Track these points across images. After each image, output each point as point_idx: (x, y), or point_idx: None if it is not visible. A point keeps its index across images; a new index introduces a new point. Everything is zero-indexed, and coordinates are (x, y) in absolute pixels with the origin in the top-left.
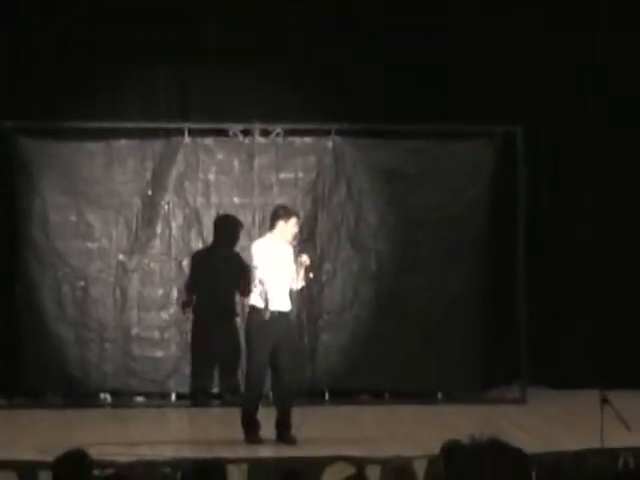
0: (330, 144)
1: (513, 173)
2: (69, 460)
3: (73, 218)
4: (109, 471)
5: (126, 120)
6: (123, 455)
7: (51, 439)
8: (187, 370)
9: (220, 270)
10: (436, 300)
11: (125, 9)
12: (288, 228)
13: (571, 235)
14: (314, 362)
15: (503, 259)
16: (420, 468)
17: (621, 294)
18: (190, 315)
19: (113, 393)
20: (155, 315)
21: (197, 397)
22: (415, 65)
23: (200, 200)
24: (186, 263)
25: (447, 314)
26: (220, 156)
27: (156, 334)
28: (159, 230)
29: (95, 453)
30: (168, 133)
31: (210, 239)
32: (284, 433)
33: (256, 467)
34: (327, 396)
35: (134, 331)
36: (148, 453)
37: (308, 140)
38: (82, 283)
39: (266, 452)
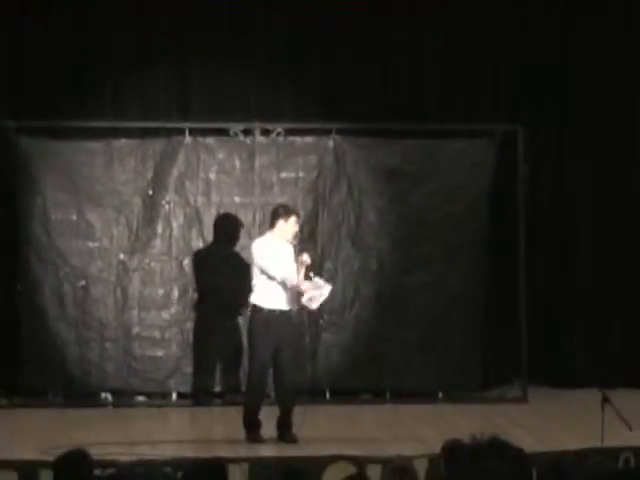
0: (331, 143)
1: (513, 172)
2: (70, 460)
3: (74, 217)
4: (110, 471)
5: (127, 119)
6: (124, 455)
7: (52, 439)
8: (188, 369)
9: (221, 269)
10: (437, 299)
11: (126, 9)
12: (288, 227)
13: (571, 233)
14: (315, 361)
15: (503, 258)
16: (421, 467)
17: (622, 293)
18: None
19: (114, 393)
20: (156, 314)
21: (199, 396)
22: (416, 64)
23: (201, 199)
24: (187, 262)
25: (448, 313)
26: (221, 155)
27: (157, 333)
28: (160, 229)
29: (96, 453)
30: (169, 132)
31: (211, 238)
32: (285, 432)
33: (257, 466)
34: (328, 395)
35: (135, 330)
36: (149, 453)
37: (309, 139)
38: (83, 282)
39: (267, 451)
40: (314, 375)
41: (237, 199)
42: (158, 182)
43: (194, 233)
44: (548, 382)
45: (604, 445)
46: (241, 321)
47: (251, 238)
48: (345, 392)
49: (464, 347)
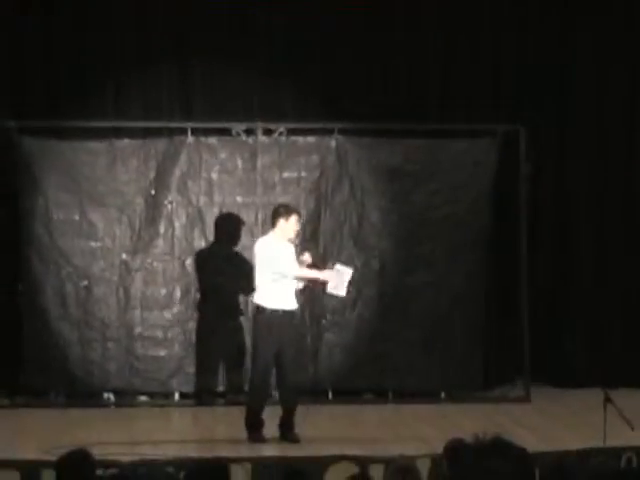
0: (333, 143)
1: (515, 171)
2: (72, 460)
3: (76, 217)
4: (112, 471)
5: (129, 119)
6: (126, 455)
7: (54, 439)
8: (190, 369)
9: (224, 269)
10: (439, 299)
11: (126, 9)
12: (289, 226)
13: (573, 233)
14: (317, 361)
15: (505, 257)
16: (424, 467)
17: (624, 292)
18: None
19: (116, 392)
20: (158, 314)
21: (202, 396)
22: (416, 64)
23: (203, 199)
24: (189, 262)
25: (450, 313)
26: (223, 155)
27: (159, 333)
28: (162, 229)
29: (98, 453)
30: (171, 132)
31: (213, 238)
32: (288, 432)
33: (260, 466)
34: (330, 395)
35: (137, 330)
36: (151, 453)
37: (311, 139)
38: (85, 282)
39: (270, 451)
40: (316, 375)
41: (239, 199)
42: (160, 182)
43: (196, 233)
44: (551, 382)
45: (607, 445)
46: (244, 321)
47: (253, 238)
48: (347, 392)
49: (466, 347)
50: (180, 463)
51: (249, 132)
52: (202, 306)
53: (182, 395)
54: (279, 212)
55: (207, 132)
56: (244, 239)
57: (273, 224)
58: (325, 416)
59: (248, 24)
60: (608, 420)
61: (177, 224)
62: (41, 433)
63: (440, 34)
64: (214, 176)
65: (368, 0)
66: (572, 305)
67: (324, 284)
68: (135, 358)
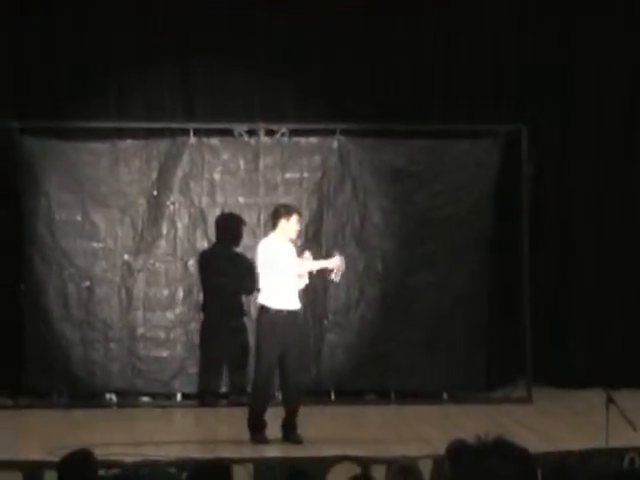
0: (335, 144)
1: (517, 172)
2: (74, 460)
3: (78, 218)
4: (114, 471)
5: (131, 120)
6: (128, 455)
7: (56, 439)
8: (193, 370)
9: (226, 269)
10: (441, 299)
11: (126, 9)
12: (290, 225)
13: (575, 233)
14: (320, 362)
15: (508, 258)
16: (426, 468)
17: (626, 293)
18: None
19: (118, 393)
20: (160, 315)
21: (204, 397)
22: (417, 65)
23: (205, 200)
24: (192, 263)
25: (452, 313)
26: (225, 156)
27: (162, 334)
28: (164, 230)
29: (100, 453)
30: (173, 133)
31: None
32: (290, 433)
33: (262, 467)
34: (333, 396)
35: (139, 331)
36: (153, 453)
37: (313, 140)
38: (87, 283)
39: (272, 452)
40: (319, 376)
41: (241, 199)
42: (163, 183)
43: (199, 233)
44: (553, 382)
45: (609, 445)
46: (246, 321)
47: (256, 238)
48: (350, 393)
49: (469, 347)
50: (182, 464)
51: (251, 133)
52: (204, 307)
53: (184, 396)
54: (279, 212)
55: (209, 133)
56: (246, 240)
57: (274, 225)
58: (327, 417)
59: (248, 24)
60: (610, 421)
61: (179, 225)
62: (43, 434)
63: (440, 34)
64: (216, 177)
65: (368, 0)
66: (574, 305)
67: (331, 271)
68: (137, 359)
